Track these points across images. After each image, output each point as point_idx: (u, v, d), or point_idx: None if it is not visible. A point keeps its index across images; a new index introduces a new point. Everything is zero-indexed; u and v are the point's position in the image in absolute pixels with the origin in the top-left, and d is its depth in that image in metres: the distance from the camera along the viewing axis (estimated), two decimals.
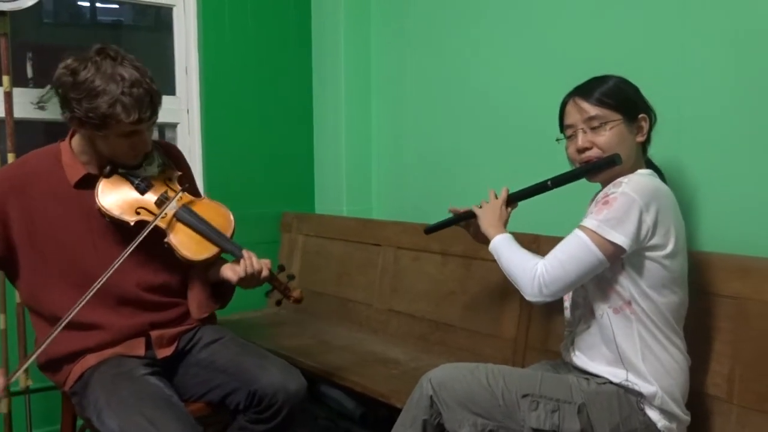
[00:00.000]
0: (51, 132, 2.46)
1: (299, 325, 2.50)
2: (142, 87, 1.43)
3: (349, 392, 2.23)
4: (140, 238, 1.48)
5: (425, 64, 2.48)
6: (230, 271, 1.56)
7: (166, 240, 1.55)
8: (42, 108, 2.29)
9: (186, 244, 1.55)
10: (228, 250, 1.58)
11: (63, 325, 1.40)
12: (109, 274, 1.44)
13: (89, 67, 1.42)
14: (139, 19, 3.10)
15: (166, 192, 1.59)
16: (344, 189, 2.72)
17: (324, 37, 2.80)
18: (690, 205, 1.61)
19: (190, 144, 2.63)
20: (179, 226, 1.57)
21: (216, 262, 1.63)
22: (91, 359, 1.53)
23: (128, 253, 1.46)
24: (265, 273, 1.57)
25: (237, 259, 1.57)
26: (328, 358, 2.09)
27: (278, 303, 1.67)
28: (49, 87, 2.27)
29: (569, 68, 1.91)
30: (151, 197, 1.58)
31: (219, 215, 1.63)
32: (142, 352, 1.57)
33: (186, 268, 1.67)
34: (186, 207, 1.59)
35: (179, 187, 1.61)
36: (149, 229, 1.50)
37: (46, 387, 2.13)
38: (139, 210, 1.55)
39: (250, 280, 1.56)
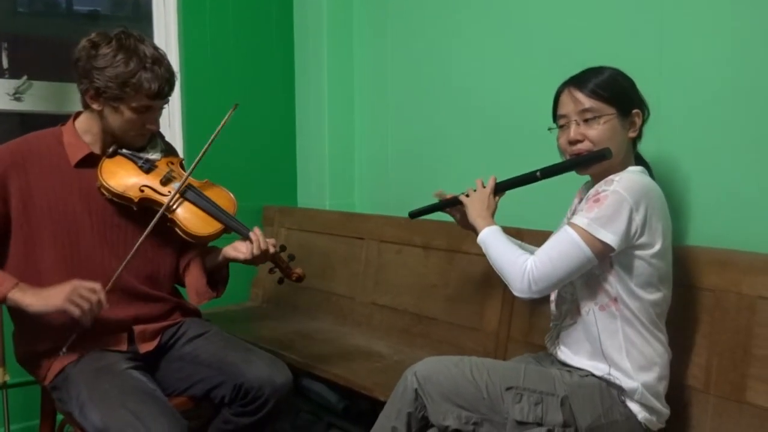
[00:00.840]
0: (27, 124, 2.42)
1: (282, 319, 2.50)
2: (162, 65, 1.51)
3: (331, 385, 2.24)
4: (157, 218, 1.52)
5: (408, 58, 2.48)
6: (233, 250, 1.61)
7: (171, 217, 1.57)
8: (18, 99, 2.25)
9: (191, 220, 1.58)
10: (232, 227, 1.60)
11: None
12: (129, 257, 1.48)
13: (112, 42, 1.48)
14: (116, 9, 3.06)
15: (170, 172, 1.61)
16: (327, 182, 2.72)
17: (306, 29, 2.79)
18: (673, 199, 1.64)
19: (171, 137, 2.60)
20: (184, 204, 1.59)
21: (212, 250, 1.67)
22: (71, 354, 1.51)
23: (143, 237, 1.50)
24: (271, 250, 1.60)
25: (242, 237, 1.61)
26: (311, 351, 2.09)
27: (280, 281, 1.72)
28: (25, 78, 2.23)
29: (552, 62, 1.93)
30: (155, 177, 1.60)
31: (221, 196, 1.66)
32: (124, 346, 1.56)
33: (178, 257, 1.70)
34: (191, 186, 1.62)
35: (182, 170, 1.64)
36: (165, 207, 1.53)
37: (24, 382, 2.09)
38: (143, 188, 1.57)
39: (258, 257, 1.58)
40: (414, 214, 1.79)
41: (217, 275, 1.71)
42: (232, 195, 1.69)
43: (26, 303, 1.40)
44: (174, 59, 2.59)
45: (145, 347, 1.59)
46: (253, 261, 1.60)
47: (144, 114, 1.53)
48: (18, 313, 1.56)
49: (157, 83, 1.49)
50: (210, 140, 1.60)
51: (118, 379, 1.44)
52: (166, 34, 2.60)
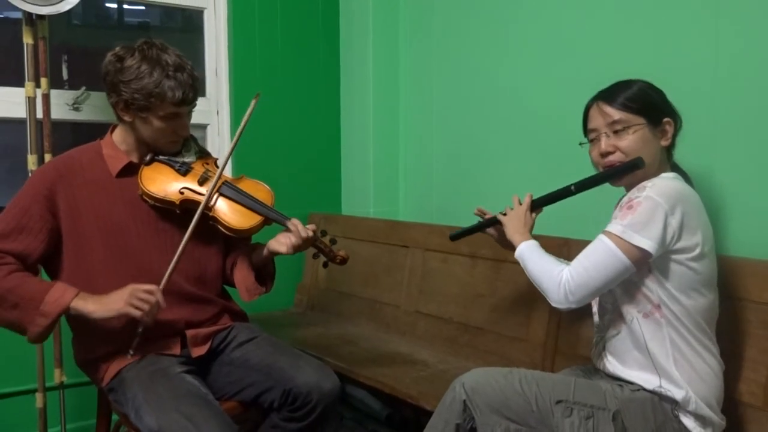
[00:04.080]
0: (80, 133, 2.50)
1: (325, 325, 2.52)
2: (185, 71, 1.54)
3: (375, 393, 2.24)
4: (197, 218, 1.55)
5: (453, 67, 2.48)
6: (277, 243, 1.61)
7: (212, 215, 1.61)
8: (77, 109, 2.33)
9: (232, 216, 1.62)
10: (272, 218, 1.64)
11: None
12: (177, 257, 1.52)
13: (136, 54, 1.52)
14: (166, 20, 3.14)
15: (206, 172, 1.66)
16: (371, 190, 2.74)
17: (352, 39, 2.82)
18: (727, 210, 1.60)
19: (220, 145, 2.67)
20: (223, 200, 1.64)
21: (257, 247, 1.71)
22: (128, 357, 1.56)
23: (187, 236, 1.53)
24: (311, 234, 1.62)
25: (284, 227, 1.63)
26: (354, 358, 2.10)
27: (325, 265, 1.76)
28: (84, 89, 2.31)
29: (597, 71, 1.89)
30: (192, 178, 1.64)
31: (259, 189, 1.70)
32: (177, 350, 1.60)
33: (224, 257, 1.74)
34: (228, 183, 1.66)
35: (217, 169, 1.68)
36: (203, 206, 1.57)
37: (79, 383, 2.17)
38: (183, 190, 1.61)
39: (300, 245, 1.60)
40: (455, 237, 1.80)
41: (264, 271, 1.73)
42: (268, 187, 1.72)
43: (89, 310, 1.45)
44: (224, 70, 2.66)
45: (197, 351, 1.63)
46: (296, 249, 1.61)
47: (172, 121, 1.57)
48: (76, 320, 1.60)
49: (181, 90, 1.52)
50: (239, 131, 1.65)
51: (172, 383, 1.47)
52: (216, 46, 2.67)
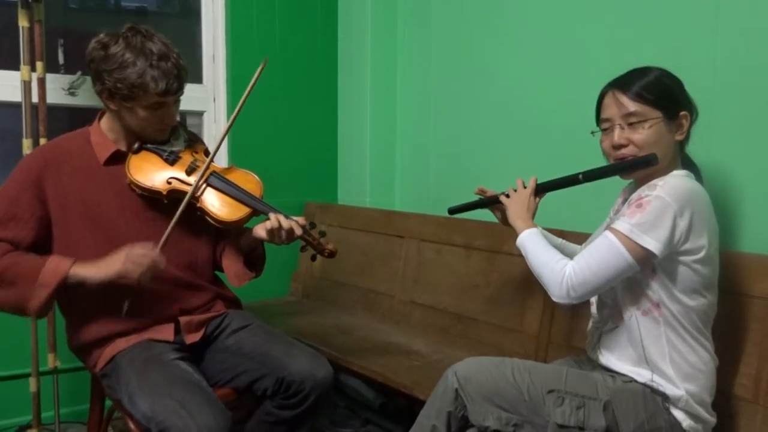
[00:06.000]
0: (76, 117, 2.49)
1: (320, 314, 2.52)
2: (170, 61, 1.50)
3: (369, 382, 2.25)
4: (183, 207, 1.53)
5: (450, 57, 2.48)
6: (262, 230, 1.59)
7: (199, 206, 1.59)
8: (73, 94, 2.32)
9: (219, 207, 1.60)
10: (260, 210, 1.62)
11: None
12: (161, 245, 1.50)
13: (120, 42, 1.48)
14: (163, 5, 3.12)
15: (194, 161, 1.64)
16: (368, 180, 2.74)
17: (350, 27, 2.81)
18: (725, 205, 1.60)
19: (216, 132, 2.66)
20: (211, 191, 1.61)
21: (245, 231, 1.69)
22: (121, 343, 1.56)
23: (172, 224, 1.51)
24: (297, 230, 1.59)
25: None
26: (349, 347, 2.11)
27: (313, 258, 1.73)
28: (80, 73, 2.30)
29: (594, 64, 1.91)
30: (180, 167, 1.62)
31: (247, 180, 1.67)
32: (171, 337, 1.60)
33: (215, 244, 1.73)
34: (216, 173, 1.63)
35: (206, 158, 1.66)
36: (189, 196, 1.55)
37: (73, 368, 2.17)
38: (170, 180, 1.59)
39: (277, 233, 1.57)
40: (453, 210, 1.77)
41: (253, 255, 1.72)
42: (257, 177, 1.69)
43: (89, 274, 1.46)
44: (221, 55, 2.64)
45: (191, 338, 1.63)
46: (279, 238, 1.58)
47: (158, 110, 1.54)
48: (68, 305, 1.61)
49: (164, 81, 1.48)
50: (244, 97, 1.65)
51: (166, 369, 1.47)
52: (214, 32, 2.65)
